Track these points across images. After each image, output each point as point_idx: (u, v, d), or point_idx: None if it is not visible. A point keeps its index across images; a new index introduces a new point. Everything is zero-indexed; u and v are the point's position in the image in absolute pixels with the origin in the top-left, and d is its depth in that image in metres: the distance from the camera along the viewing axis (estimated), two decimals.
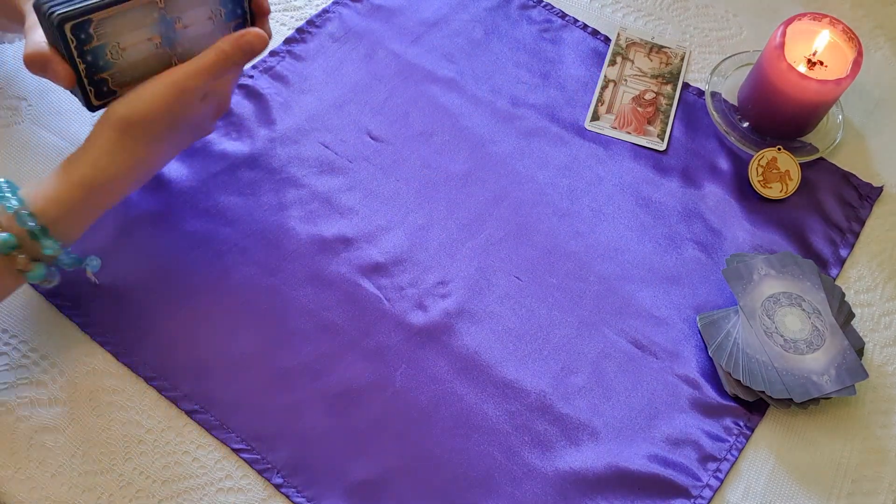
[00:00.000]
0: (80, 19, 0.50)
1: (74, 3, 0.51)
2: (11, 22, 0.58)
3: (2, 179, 0.51)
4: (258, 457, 0.54)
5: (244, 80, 0.70)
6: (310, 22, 0.74)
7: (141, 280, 0.59)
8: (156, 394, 0.55)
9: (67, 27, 0.50)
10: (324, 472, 0.54)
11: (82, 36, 0.51)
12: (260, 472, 0.53)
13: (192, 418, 0.55)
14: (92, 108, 0.55)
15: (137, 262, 0.60)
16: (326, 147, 0.67)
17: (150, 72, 0.54)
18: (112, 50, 0.52)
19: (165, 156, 0.57)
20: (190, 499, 0.52)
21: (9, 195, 0.50)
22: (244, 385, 0.56)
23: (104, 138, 0.52)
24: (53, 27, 0.50)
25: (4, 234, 0.49)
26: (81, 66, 0.52)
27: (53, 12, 0.50)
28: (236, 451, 0.54)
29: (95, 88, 0.53)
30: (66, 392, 0.55)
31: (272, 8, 0.75)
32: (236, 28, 0.58)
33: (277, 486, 0.53)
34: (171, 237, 0.61)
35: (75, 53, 0.51)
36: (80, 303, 0.58)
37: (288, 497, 0.53)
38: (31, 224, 0.49)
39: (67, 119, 0.66)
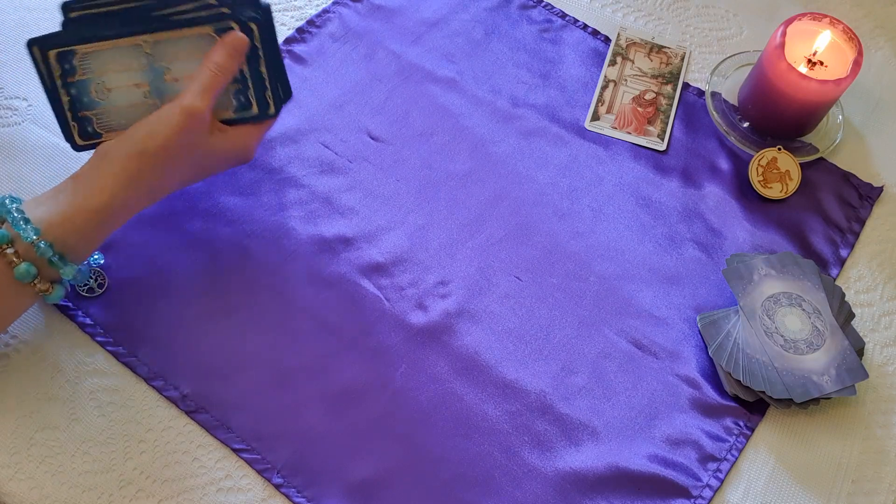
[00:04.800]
0: (64, 48, 0.50)
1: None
2: None
3: (7, 198, 0.52)
4: (258, 457, 0.54)
5: None
6: (310, 22, 0.74)
7: (141, 280, 0.59)
8: (156, 394, 0.55)
9: (52, 54, 0.50)
10: (324, 472, 0.54)
11: (66, 66, 0.51)
12: (260, 472, 0.53)
13: (192, 418, 0.55)
14: (77, 148, 0.54)
15: (138, 263, 0.60)
16: (326, 147, 0.67)
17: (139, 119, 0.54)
18: (97, 88, 0.52)
19: (178, 185, 0.58)
20: (190, 498, 0.52)
21: (24, 225, 0.50)
22: (244, 385, 0.56)
23: (119, 167, 0.52)
24: (38, 53, 0.50)
25: (24, 265, 0.50)
26: (65, 98, 0.52)
27: (39, 38, 0.50)
28: (236, 451, 0.54)
29: (79, 126, 0.53)
30: (66, 392, 0.55)
31: (272, 8, 0.75)
32: (236, 93, 0.57)
33: (277, 486, 0.53)
34: (171, 237, 0.61)
35: (59, 83, 0.51)
36: (81, 303, 0.58)
37: (288, 497, 0.53)
38: (51, 255, 0.50)
39: None
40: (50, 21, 0.71)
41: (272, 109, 0.59)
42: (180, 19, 0.53)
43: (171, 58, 0.54)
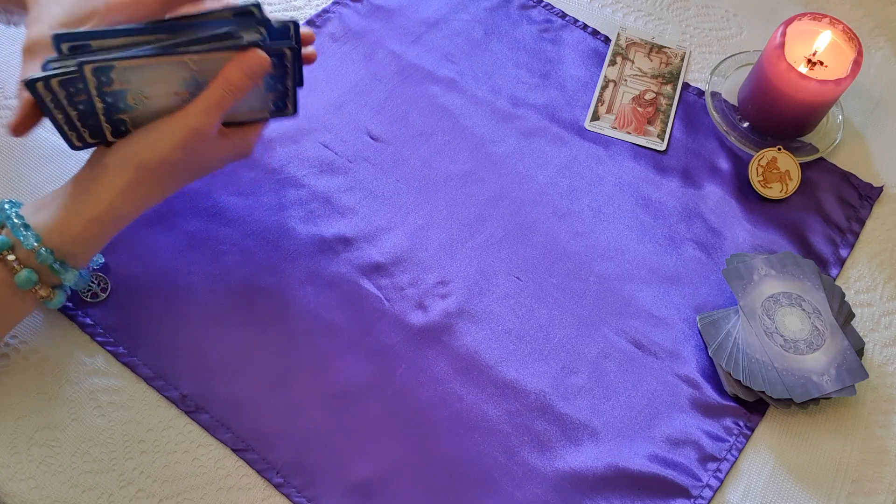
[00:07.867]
0: (101, 64, 0.49)
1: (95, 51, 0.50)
2: (12, 5, 0.58)
3: (6, 203, 0.51)
4: (258, 457, 0.54)
5: None
6: (310, 22, 0.74)
7: (141, 280, 0.59)
8: (156, 394, 0.55)
9: (88, 69, 0.49)
10: (324, 472, 0.54)
11: (103, 79, 0.50)
12: (260, 472, 0.53)
13: (192, 418, 0.55)
14: (108, 145, 0.54)
15: (138, 263, 0.60)
16: (326, 147, 0.67)
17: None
18: (135, 96, 0.51)
19: (176, 189, 0.57)
20: (190, 498, 0.52)
21: (24, 231, 0.50)
22: (244, 385, 0.56)
23: (121, 179, 0.52)
24: (74, 68, 0.49)
25: (25, 272, 0.50)
26: (100, 105, 0.51)
27: (75, 56, 0.49)
28: (236, 450, 0.54)
29: (112, 127, 0.53)
30: (66, 392, 0.55)
31: (272, 9, 0.75)
32: (275, 102, 0.57)
33: (277, 486, 0.53)
34: (171, 237, 0.61)
35: (94, 93, 0.50)
36: (81, 304, 0.58)
37: (288, 497, 0.53)
38: (52, 263, 0.50)
39: None
40: None
41: (292, 110, 0.59)
42: (212, 46, 0.52)
43: (215, 73, 0.52)
